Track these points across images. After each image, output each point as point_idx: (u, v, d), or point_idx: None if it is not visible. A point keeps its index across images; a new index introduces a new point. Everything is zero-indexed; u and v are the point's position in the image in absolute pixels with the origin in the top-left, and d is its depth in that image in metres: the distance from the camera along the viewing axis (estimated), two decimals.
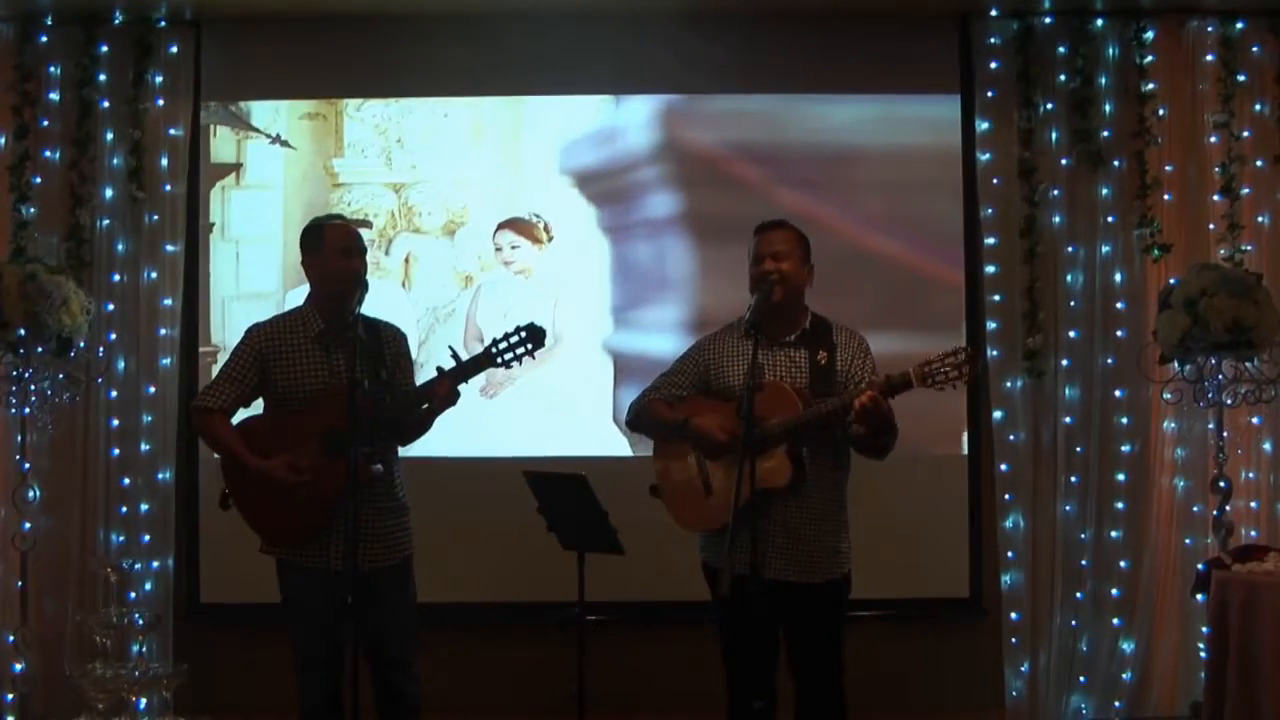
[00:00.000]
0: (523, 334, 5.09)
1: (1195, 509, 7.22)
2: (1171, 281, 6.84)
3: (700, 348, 5.38)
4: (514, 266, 7.38)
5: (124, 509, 7.26)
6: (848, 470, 5.18)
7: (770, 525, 4.86)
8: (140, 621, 5.80)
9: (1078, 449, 7.32)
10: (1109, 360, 7.33)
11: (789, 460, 4.85)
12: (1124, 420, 7.32)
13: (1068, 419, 7.34)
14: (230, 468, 5.34)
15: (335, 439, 4.97)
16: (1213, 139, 7.36)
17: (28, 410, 6.80)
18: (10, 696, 6.82)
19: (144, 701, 5.80)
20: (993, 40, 7.42)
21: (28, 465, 6.87)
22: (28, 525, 6.82)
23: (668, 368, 5.45)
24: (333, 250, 5.26)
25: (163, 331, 7.33)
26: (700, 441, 5.06)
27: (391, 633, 5.28)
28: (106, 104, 7.36)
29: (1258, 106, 7.39)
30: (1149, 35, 7.37)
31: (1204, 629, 6.30)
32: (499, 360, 5.12)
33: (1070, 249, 7.39)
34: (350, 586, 4.82)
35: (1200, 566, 6.17)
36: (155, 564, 7.16)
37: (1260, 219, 7.37)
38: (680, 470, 5.16)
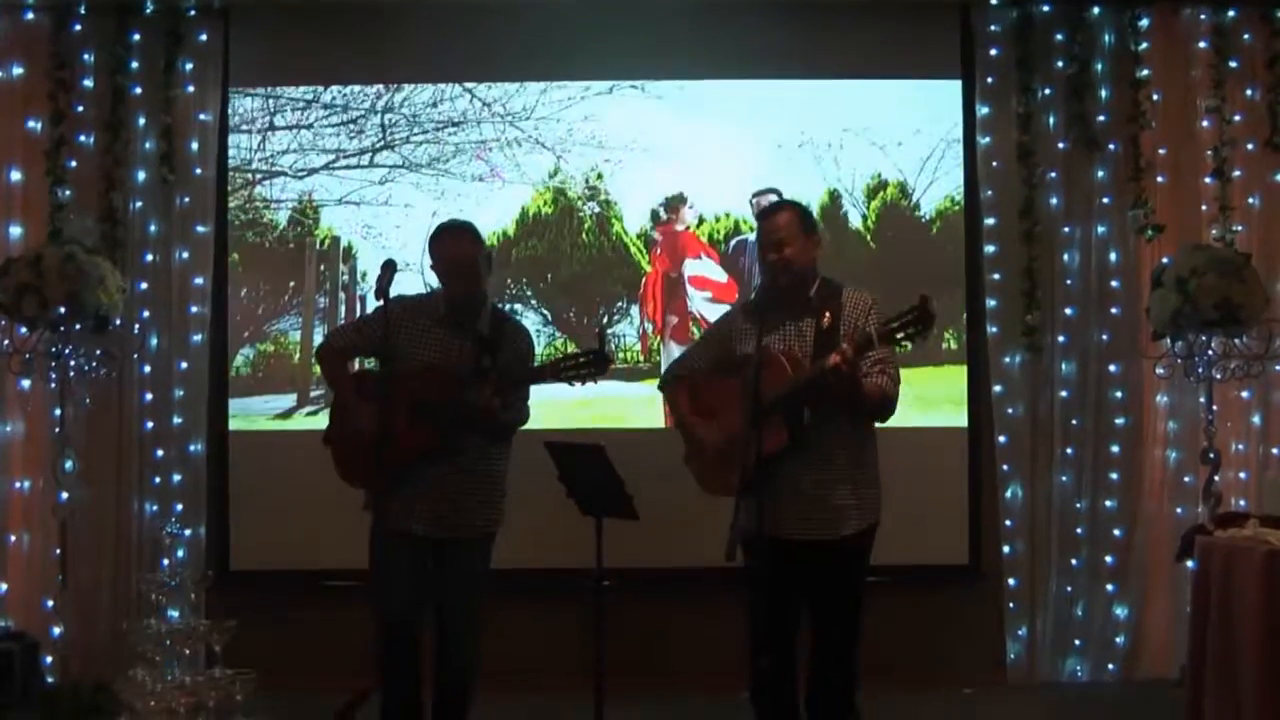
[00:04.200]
0: (591, 356, 5.33)
1: (1186, 479, 7.43)
2: (1164, 261, 7.04)
3: (722, 323, 5.60)
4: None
5: (157, 480, 7.51)
6: (866, 434, 5.25)
7: (781, 487, 5.02)
8: (190, 582, 6.01)
9: (1074, 422, 7.53)
10: (1104, 336, 7.53)
11: (785, 426, 4.99)
12: (1118, 394, 7.52)
13: (1064, 393, 7.54)
14: (334, 407, 5.73)
15: (423, 407, 5.31)
16: (1205, 123, 7.53)
17: (63, 384, 7.02)
18: (49, 659, 7.04)
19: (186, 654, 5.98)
20: (993, 28, 7.60)
21: (65, 437, 7.07)
22: (64, 495, 7.04)
23: (697, 340, 5.64)
24: (440, 268, 5.59)
25: (194, 309, 7.55)
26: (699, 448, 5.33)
27: (453, 602, 5.57)
28: (138, 90, 7.57)
29: (1249, 92, 7.57)
30: (1144, 23, 7.55)
31: None
32: (562, 376, 5.37)
33: (1067, 229, 7.58)
34: (414, 547, 5.29)
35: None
36: (187, 532, 7.36)
37: (1250, 201, 7.56)
38: (701, 441, 5.38)
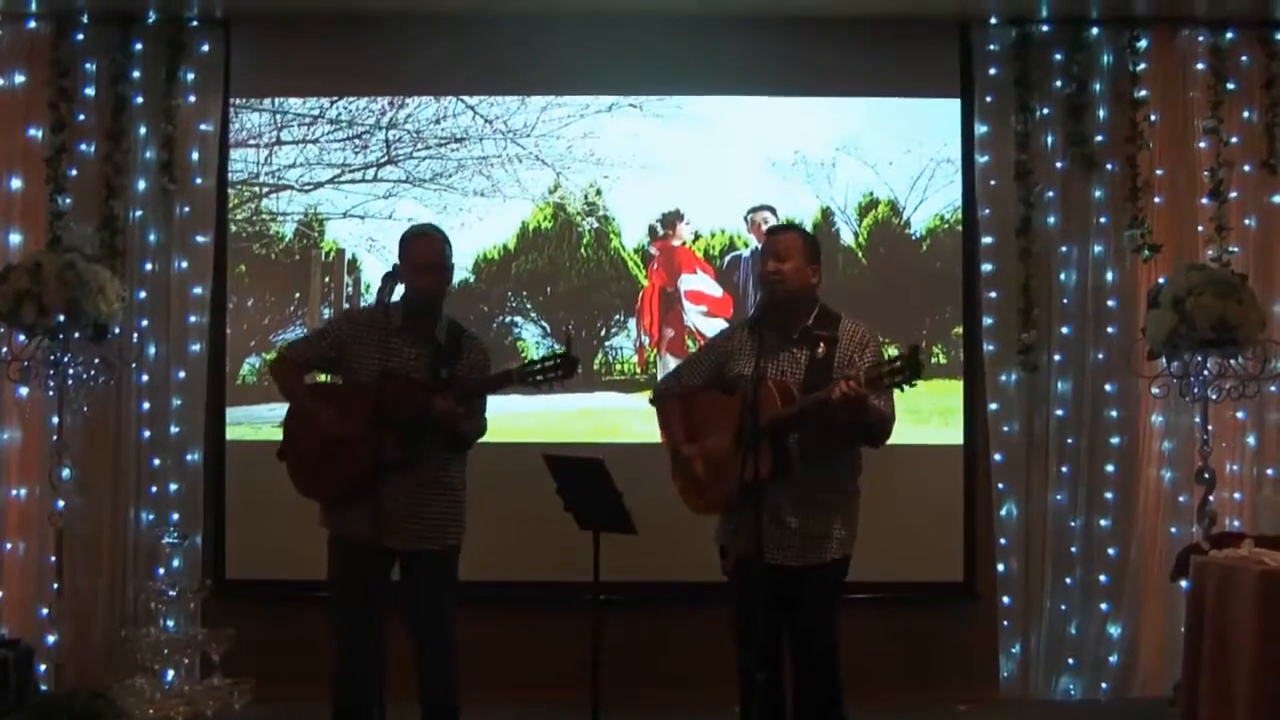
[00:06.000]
0: (558, 360, 5.32)
1: (1181, 499, 7.43)
2: (1160, 281, 7.02)
3: (717, 342, 5.65)
4: None
5: (154, 489, 7.50)
6: (849, 457, 5.33)
7: (765, 513, 5.02)
8: (188, 591, 6.01)
9: (1069, 441, 7.54)
10: (1100, 356, 7.54)
11: (769, 455, 4.99)
12: (1114, 413, 7.53)
13: (1060, 412, 7.56)
14: (289, 419, 5.69)
15: (378, 419, 5.16)
16: (1202, 144, 7.55)
17: (61, 392, 6.99)
18: (43, 667, 7.03)
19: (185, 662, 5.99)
20: (992, 47, 7.63)
21: (62, 445, 7.04)
22: (61, 503, 7.01)
23: (692, 354, 5.71)
24: (411, 265, 5.53)
25: (192, 319, 7.56)
26: (686, 467, 5.35)
27: (424, 617, 5.54)
28: (140, 99, 7.59)
29: (1246, 113, 7.59)
30: (1142, 44, 7.58)
31: None
32: (530, 380, 5.36)
33: (1064, 249, 7.60)
34: (377, 560, 5.20)
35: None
36: (186, 542, 7.31)
37: (1247, 222, 7.57)
38: (688, 461, 5.41)
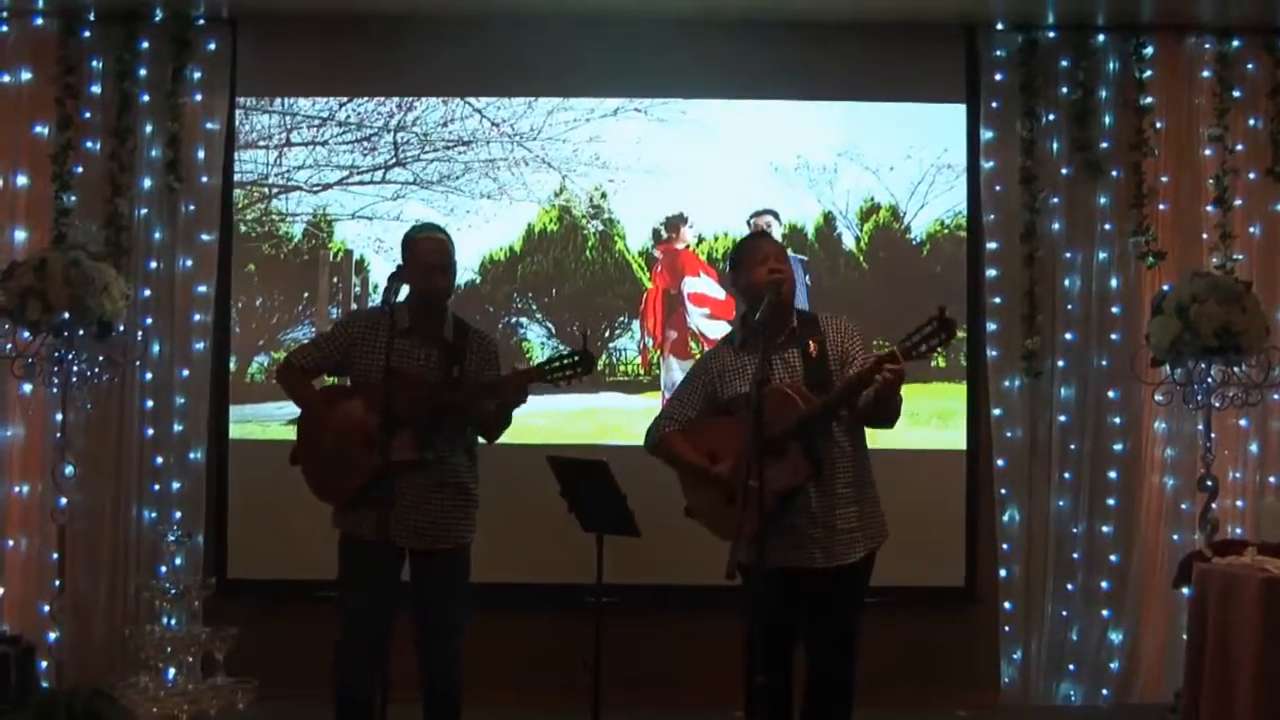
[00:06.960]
0: (576, 358, 5.30)
1: (1184, 506, 7.44)
2: (1164, 288, 7.05)
3: (703, 365, 5.50)
4: None
5: (156, 487, 7.50)
6: (865, 452, 5.24)
7: (800, 519, 5.04)
8: (192, 590, 6.00)
9: (1072, 446, 7.54)
10: (1103, 362, 7.54)
11: (804, 456, 4.99)
12: (1117, 420, 7.53)
13: (1063, 418, 7.56)
14: (301, 423, 5.65)
15: (390, 418, 5.08)
16: (1208, 152, 7.56)
17: (65, 389, 7.00)
18: (44, 664, 7.04)
19: (188, 661, 5.97)
20: (998, 53, 7.63)
21: (65, 443, 7.05)
22: (64, 500, 7.02)
23: (677, 389, 5.60)
24: (419, 265, 5.47)
25: (197, 317, 7.57)
26: (720, 485, 5.16)
27: (437, 615, 5.50)
28: (146, 97, 7.59)
29: (1252, 121, 7.61)
30: (1148, 51, 7.58)
31: None
32: (548, 378, 5.35)
33: (1068, 255, 7.61)
34: (389, 559, 5.18)
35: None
36: (189, 540, 7.30)
37: (1251, 229, 7.59)
38: (706, 488, 5.25)
